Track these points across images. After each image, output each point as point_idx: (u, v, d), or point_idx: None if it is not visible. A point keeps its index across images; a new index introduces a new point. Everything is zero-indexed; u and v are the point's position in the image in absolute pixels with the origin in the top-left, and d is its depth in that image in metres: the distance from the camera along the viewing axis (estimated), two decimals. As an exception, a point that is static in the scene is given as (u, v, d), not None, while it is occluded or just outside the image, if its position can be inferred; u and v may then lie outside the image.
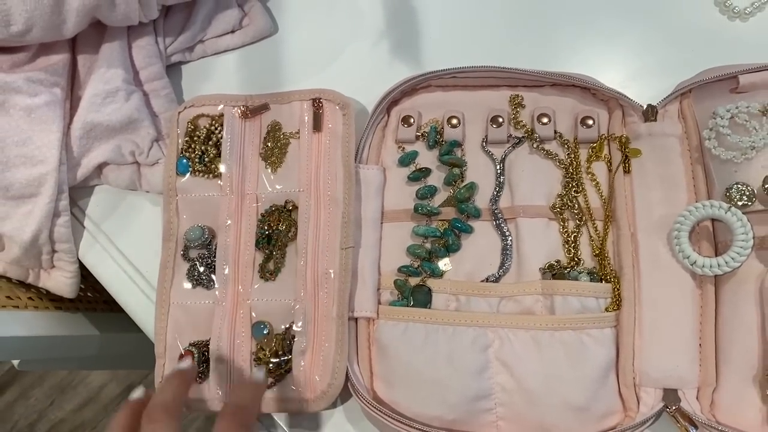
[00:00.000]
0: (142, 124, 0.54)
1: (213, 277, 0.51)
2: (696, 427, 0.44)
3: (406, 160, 0.52)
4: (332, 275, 0.48)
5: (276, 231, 0.51)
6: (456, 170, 0.51)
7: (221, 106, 0.54)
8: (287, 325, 0.49)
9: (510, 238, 0.50)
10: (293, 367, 0.48)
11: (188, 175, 0.53)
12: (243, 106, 0.54)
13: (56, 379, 1.41)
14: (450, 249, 0.50)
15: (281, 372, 0.48)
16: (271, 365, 0.48)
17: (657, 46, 0.55)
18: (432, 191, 0.51)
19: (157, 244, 0.53)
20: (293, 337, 0.48)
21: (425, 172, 0.52)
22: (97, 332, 0.61)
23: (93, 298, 0.67)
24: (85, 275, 0.58)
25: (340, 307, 0.48)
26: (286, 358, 0.48)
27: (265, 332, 0.49)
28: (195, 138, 0.54)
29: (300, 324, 0.48)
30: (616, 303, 0.47)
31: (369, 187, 0.52)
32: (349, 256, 0.49)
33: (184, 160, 0.53)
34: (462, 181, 0.52)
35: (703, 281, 0.46)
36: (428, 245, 0.51)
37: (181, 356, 0.50)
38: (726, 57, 0.51)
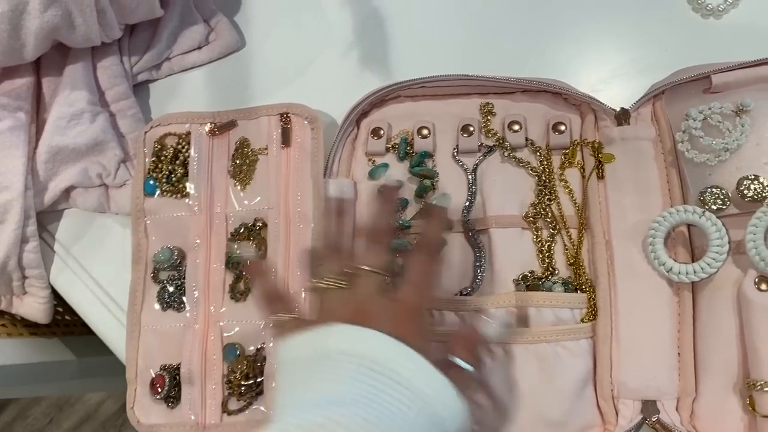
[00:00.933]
0: (109, 145, 0.53)
1: (184, 299, 0.50)
2: (677, 438, 0.43)
3: (376, 173, 0.51)
4: (303, 293, 0.48)
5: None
6: (427, 182, 0.50)
7: (188, 124, 0.53)
8: (259, 347, 0.48)
9: (483, 249, 0.49)
10: (264, 389, 0.47)
11: (156, 195, 0.52)
12: (210, 123, 0.53)
13: (54, 397, 1.40)
14: None
15: (252, 394, 0.47)
16: (242, 388, 0.47)
17: (630, 47, 0.54)
18: (404, 204, 0.50)
19: (128, 266, 0.52)
20: (264, 358, 0.48)
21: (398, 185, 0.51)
22: (74, 357, 0.60)
23: (71, 321, 0.67)
24: (62, 298, 0.57)
25: (311, 326, 0.47)
26: (258, 380, 0.47)
27: (236, 354, 0.48)
28: (162, 157, 0.53)
29: (271, 345, 0.47)
30: (592, 313, 0.46)
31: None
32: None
33: (152, 181, 0.52)
34: (434, 192, 0.51)
35: (681, 288, 0.45)
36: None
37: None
38: (701, 56, 0.50)
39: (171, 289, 0.51)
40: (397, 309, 0.38)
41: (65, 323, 0.66)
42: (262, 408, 0.47)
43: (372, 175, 0.52)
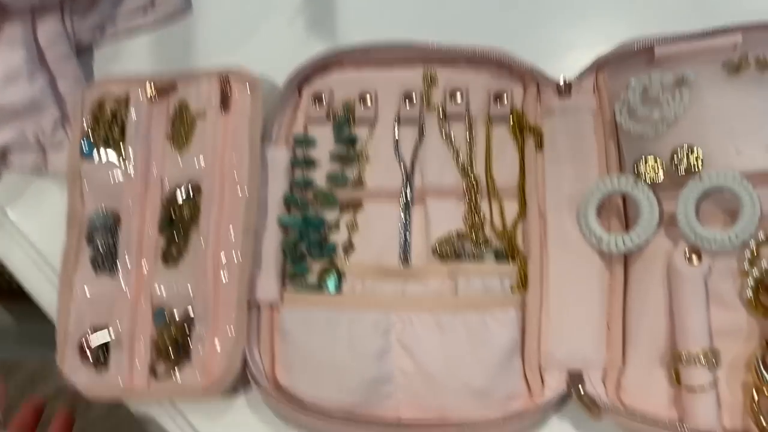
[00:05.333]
0: (46, 104, 0.52)
1: (117, 262, 0.50)
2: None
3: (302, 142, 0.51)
4: (234, 259, 0.47)
5: (180, 215, 0.50)
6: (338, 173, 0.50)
7: (128, 88, 0.52)
8: (188, 311, 0.48)
9: (409, 220, 0.48)
10: (192, 354, 0.46)
11: (93, 158, 0.52)
12: (150, 86, 0.52)
13: (28, 369, 1.39)
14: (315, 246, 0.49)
15: (180, 359, 0.47)
16: (171, 352, 0.47)
17: (577, 19, 0.53)
18: (308, 183, 0.50)
19: (65, 229, 0.51)
20: (192, 320, 0.47)
21: (308, 162, 0.50)
22: (15, 323, 0.60)
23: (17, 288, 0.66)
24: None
25: (240, 292, 0.46)
26: (186, 344, 0.47)
27: (165, 319, 0.48)
28: (100, 120, 0.52)
29: (200, 310, 0.47)
30: (522, 283, 0.45)
31: (276, 167, 0.50)
32: (250, 240, 0.47)
33: (89, 144, 0.52)
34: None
35: (613, 260, 0.45)
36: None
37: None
38: (651, 27, 0.49)
39: (105, 254, 0.50)
40: None
41: (10, 288, 0.65)
42: (191, 374, 0.46)
43: (297, 141, 0.51)
